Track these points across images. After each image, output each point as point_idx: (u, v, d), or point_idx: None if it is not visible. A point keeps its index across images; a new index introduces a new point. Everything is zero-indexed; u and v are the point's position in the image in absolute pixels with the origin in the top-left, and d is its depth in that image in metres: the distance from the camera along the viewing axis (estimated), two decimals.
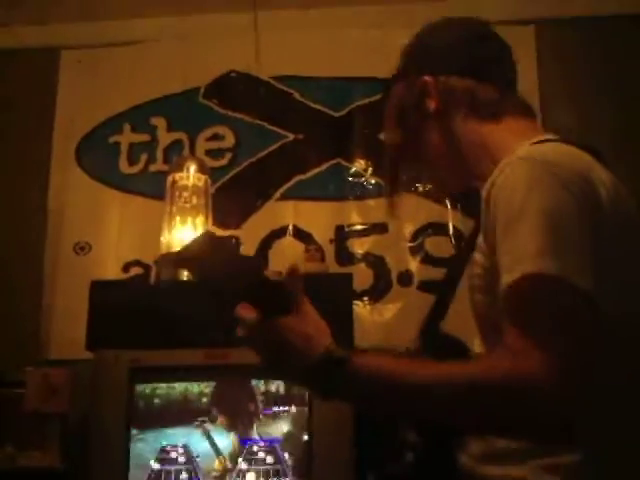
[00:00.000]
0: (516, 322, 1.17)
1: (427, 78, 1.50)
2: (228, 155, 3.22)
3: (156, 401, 2.31)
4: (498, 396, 1.14)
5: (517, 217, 1.20)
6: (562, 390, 1.10)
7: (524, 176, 1.24)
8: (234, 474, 2.21)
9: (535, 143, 1.36)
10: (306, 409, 2.22)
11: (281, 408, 2.25)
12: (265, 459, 2.20)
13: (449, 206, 3.04)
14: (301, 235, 3.11)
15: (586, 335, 1.14)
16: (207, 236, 1.29)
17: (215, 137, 3.24)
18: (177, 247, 2.66)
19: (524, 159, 1.28)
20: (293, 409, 2.24)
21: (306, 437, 2.20)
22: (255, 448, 2.22)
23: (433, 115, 1.50)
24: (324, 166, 3.18)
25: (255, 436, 2.23)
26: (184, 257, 1.31)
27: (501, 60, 1.55)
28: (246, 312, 1.25)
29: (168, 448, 2.25)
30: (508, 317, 1.18)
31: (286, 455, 2.20)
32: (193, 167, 2.77)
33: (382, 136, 1.64)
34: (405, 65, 1.59)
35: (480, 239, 1.34)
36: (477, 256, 1.35)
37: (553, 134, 1.43)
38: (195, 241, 1.27)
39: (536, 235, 1.18)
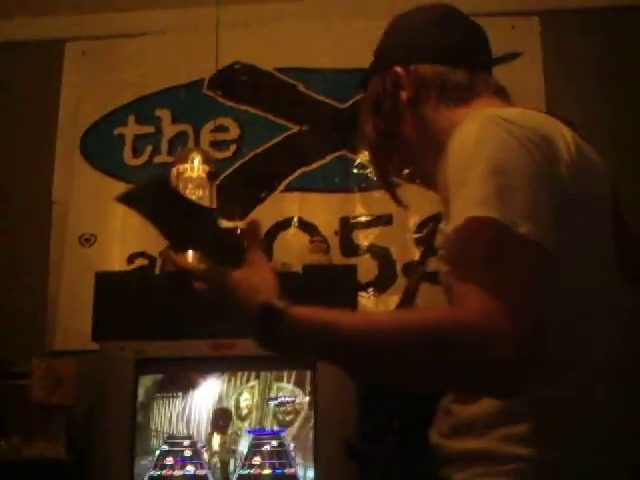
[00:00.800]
0: (455, 268, 1.18)
1: (397, 69, 1.50)
2: (233, 147, 3.21)
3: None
4: (436, 341, 1.12)
5: (465, 169, 1.21)
6: (497, 330, 1.08)
7: (473, 131, 1.24)
8: (240, 461, 2.22)
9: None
10: (310, 401, 2.22)
11: (287, 399, 2.25)
12: (270, 448, 2.21)
13: None
14: (306, 227, 3.11)
15: (523, 276, 1.12)
16: (162, 179, 1.34)
17: (220, 129, 3.24)
18: None
19: (475, 118, 1.28)
20: (298, 400, 2.25)
21: (311, 425, 2.20)
22: (261, 438, 2.23)
23: (407, 105, 1.50)
24: (329, 158, 3.18)
25: (261, 426, 2.24)
26: (136, 195, 1.31)
27: (472, 42, 1.54)
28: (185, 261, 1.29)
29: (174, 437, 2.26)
30: (451, 262, 1.20)
31: (291, 444, 2.21)
32: (198, 159, 2.77)
33: (360, 133, 1.60)
34: (377, 58, 1.59)
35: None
36: (441, 226, 1.34)
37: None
38: (149, 182, 1.28)
39: (480, 184, 1.17)
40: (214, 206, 2.38)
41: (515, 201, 1.15)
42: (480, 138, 1.22)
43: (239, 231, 1.32)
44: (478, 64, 1.51)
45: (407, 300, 1.51)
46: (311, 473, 2.18)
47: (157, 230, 1.32)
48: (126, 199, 1.31)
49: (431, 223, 3.05)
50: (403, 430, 1.43)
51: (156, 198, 1.27)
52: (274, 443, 2.22)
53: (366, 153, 3.10)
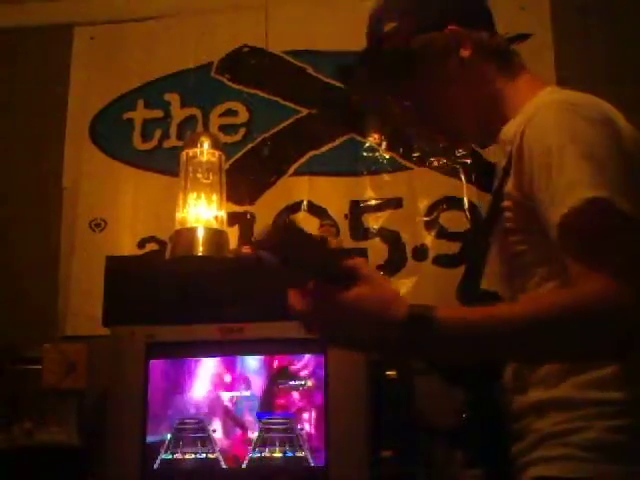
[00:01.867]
0: (578, 248, 1.21)
1: (455, 28, 1.50)
2: (242, 131, 3.20)
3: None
4: (585, 323, 1.16)
5: (555, 154, 1.25)
6: (636, 304, 1.14)
7: (553, 117, 1.30)
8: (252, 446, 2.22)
9: (554, 91, 1.44)
10: (321, 384, 2.23)
11: (297, 382, 2.25)
12: (281, 431, 2.22)
13: (464, 180, 3.03)
14: (316, 210, 3.10)
15: (633, 251, 1.18)
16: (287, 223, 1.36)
17: (228, 113, 3.23)
18: (191, 223, 2.67)
19: (549, 104, 1.34)
20: (309, 382, 2.25)
21: (322, 411, 2.20)
22: (272, 422, 2.23)
23: (465, 65, 1.50)
24: (338, 141, 3.17)
25: (271, 410, 2.24)
26: (267, 242, 1.25)
27: (491, 11, 1.60)
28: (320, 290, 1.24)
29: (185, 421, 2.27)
30: (568, 245, 1.22)
31: (301, 427, 2.21)
32: (207, 143, 2.77)
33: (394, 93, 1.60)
34: (418, 20, 1.54)
35: (508, 187, 1.37)
36: (506, 204, 1.38)
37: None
38: (273, 228, 1.26)
39: (578, 166, 1.23)
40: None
41: (612, 180, 1.22)
42: (562, 124, 1.28)
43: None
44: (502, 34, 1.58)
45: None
46: (322, 456, 2.18)
47: (289, 272, 1.30)
48: (258, 246, 1.26)
49: (442, 205, 3.05)
50: (474, 403, 1.44)
51: (290, 242, 1.23)
52: (284, 427, 2.22)
53: (376, 136, 3.12)
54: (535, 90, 1.47)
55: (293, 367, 2.28)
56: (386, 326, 1.20)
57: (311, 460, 2.19)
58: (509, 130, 1.44)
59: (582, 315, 1.17)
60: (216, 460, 2.24)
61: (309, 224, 3.01)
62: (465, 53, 1.50)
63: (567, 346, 1.21)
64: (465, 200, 3.03)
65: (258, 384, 2.28)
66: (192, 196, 2.72)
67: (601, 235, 1.20)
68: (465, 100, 1.52)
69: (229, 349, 2.33)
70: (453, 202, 3.05)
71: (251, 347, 2.32)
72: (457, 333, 1.21)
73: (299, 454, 2.20)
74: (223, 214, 2.75)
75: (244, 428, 2.25)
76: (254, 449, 2.23)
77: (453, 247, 3.02)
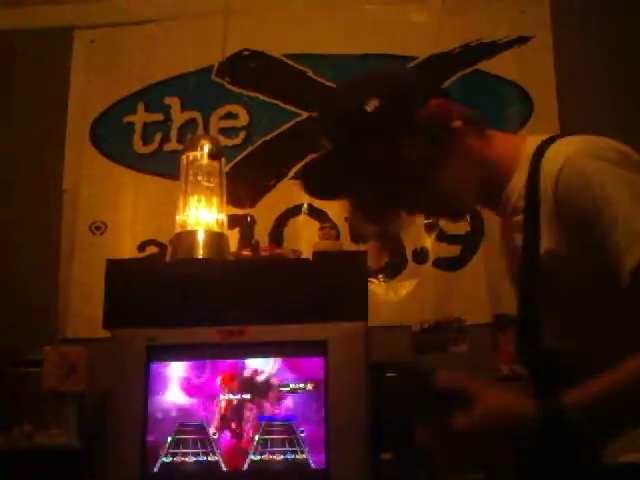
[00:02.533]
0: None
1: (439, 101, 1.46)
2: (242, 134, 3.21)
3: None
4: None
5: (599, 208, 1.28)
6: None
7: (590, 169, 1.30)
8: (252, 448, 2.22)
9: (556, 138, 1.42)
10: (322, 387, 2.22)
11: (297, 385, 2.25)
12: (281, 434, 2.21)
13: None
14: (316, 213, 3.10)
15: None
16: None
17: (229, 116, 3.23)
18: (192, 226, 2.67)
19: (576, 157, 1.33)
20: (309, 386, 2.25)
21: (322, 413, 2.20)
22: (272, 424, 2.23)
23: (456, 136, 1.46)
24: None
25: (272, 412, 2.24)
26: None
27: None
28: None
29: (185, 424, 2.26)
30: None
31: (302, 430, 2.21)
32: (207, 146, 2.77)
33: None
34: (396, 97, 1.47)
35: (547, 245, 1.36)
36: (551, 263, 1.37)
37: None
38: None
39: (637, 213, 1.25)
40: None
41: None
42: (601, 175, 1.30)
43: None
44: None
45: None
46: (322, 459, 2.18)
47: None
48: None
49: None
50: None
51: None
52: (285, 429, 2.22)
53: None
54: (515, 144, 1.47)
55: (293, 369, 2.28)
56: (521, 433, 1.27)
57: (312, 463, 2.19)
58: (515, 187, 1.44)
59: None
60: (216, 463, 2.24)
61: (309, 227, 3.02)
62: (457, 124, 1.46)
63: None
64: None
65: (258, 386, 2.28)
66: (192, 199, 2.72)
67: None
68: (462, 174, 1.47)
69: (229, 352, 2.33)
70: None
71: (252, 349, 2.31)
72: (585, 415, 1.26)
73: (299, 457, 2.20)
74: (223, 217, 2.75)
75: (245, 431, 2.25)
76: (255, 452, 2.22)
77: (453, 250, 3.03)
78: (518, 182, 1.43)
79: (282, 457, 2.21)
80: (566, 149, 1.37)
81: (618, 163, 1.31)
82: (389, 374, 2.42)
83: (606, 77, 3.05)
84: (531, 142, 1.45)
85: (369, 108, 1.46)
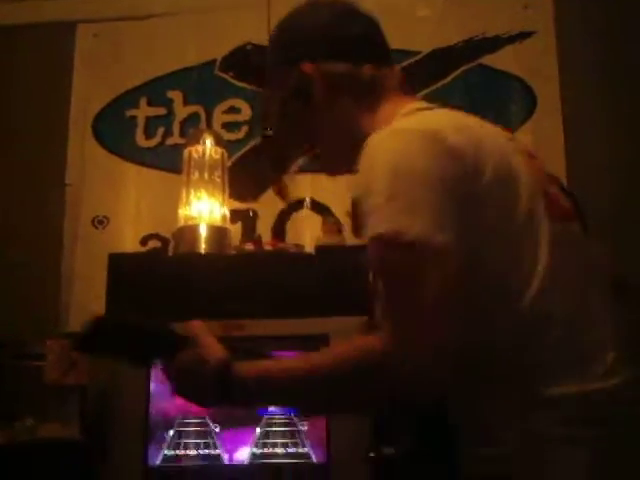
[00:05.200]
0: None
1: (307, 66, 1.47)
2: (244, 128, 3.21)
3: None
4: (358, 376, 1.21)
5: (365, 188, 1.26)
6: (405, 358, 1.16)
7: (373, 150, 1.28)
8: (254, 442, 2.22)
9: (403, 115, 1.39)
10: None
11: None
12: (283, 428, 2.22)
13: None
14: (318, 208, 3.10)
15: (435, 295, 1.17)
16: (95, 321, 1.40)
17: (231, 110, 3.23)
18: (194, 220, 2.67)
19: (382, 131, 1.31)
20: None
21: None
22: (273, 418, 2.23)
23: (319, 103, 1.47)
24: None
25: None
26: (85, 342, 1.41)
27: (372, 37, 1.53)
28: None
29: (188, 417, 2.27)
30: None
31: (303, 424, 2.21)
32: (209, 140, 2.77)
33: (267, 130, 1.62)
34: (278, 54, 1.54)
35: None
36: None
37: (426, 103, 1.46)
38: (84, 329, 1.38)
39: (378, 202, 1.22)
40: None
41: (421, 213, 1.19)
42: (377, 155, 1.27)
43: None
44: (380, 58, 1.51)
45: None
46: (323, 452, 2.18)
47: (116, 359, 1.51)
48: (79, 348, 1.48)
49: None
50: (420, 430, 1.43)
51: (104, 336, 1.39)
52: (286, 423, 2.22)
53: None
54: (392, 115, 1.42)
55: None
56: (202, 386, 1.34)
57: (313, 456, 2.19)
58: None
59: (349, 374, 1.22)
60: (218, 456, 2.24)
61: (312, 221, 3.01)
62: (317, 92, 1.47)
63: (347, 398, 1.27)
64: None
65: None
66: (195, 193, 2.72)
67: (384, 275, 1.23)
68: (328, 134, 1.50)
69: (230, 345, 2.32)
70: None
71: (253, 343, 2.30)
72: (255, 390, 1.30)
73: (301, 450, 2.20)
74: (226, 211, 2.75)
75: (246, 424, 2.25)
76: (256, 445, 2.23)
77: None
78: None
79: (283, 451, 2.21)
80: (376, 135, 1.34)
81: (403, 141, 1.26)
82: None
83: (608, 71, 3.05)
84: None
85: (271, 38, 1.55)
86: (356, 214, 1.30)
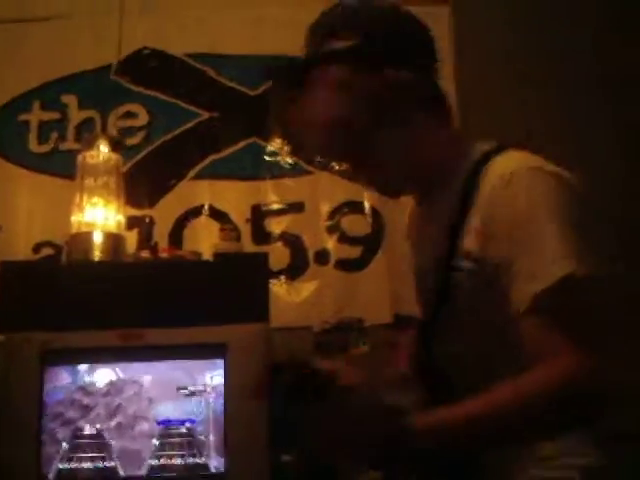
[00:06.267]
0: (554, 327, 1.23)
1: (390, 71, 1.40)
2: (141, 133, 3.17)
3: None
4: (559, 406, 1.21)
5: (524, 226, 1.27)
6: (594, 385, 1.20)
7: (524, 186, 1.29)
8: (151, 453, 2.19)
9: (502, 149, 1.41)
10: (221, 390, 2.21)
11: (196, 387, 2.23)
12: (180, 437, 2.19)
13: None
14: (217, 215, 3.09)
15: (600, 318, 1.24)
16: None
17: (128, 115, 3.19)
18: (88, 227, 2.61)
19: (519, 169, 1.32)
20: (208, 389, 2.23)
21: (222, 416, 2.18)
22: (171, 428, 2.20)
23: (398, 114, 1.42)
24: (240, 145, 3.16)
25: (170, 416, 2.21)
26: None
27: (428, 46, 1.50)
28: None
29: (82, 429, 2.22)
30: (543, 323, 1.24)
31: (201, 433, 2.19)
32: (104, 145, 2.71)
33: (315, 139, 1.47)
34: (371, 45, 1.42)
35: (469, 244, 1.36)
36: (466, 264, 1.37)
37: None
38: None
39: (554, 239, 1.24)
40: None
41: (587, 246, 1.25)
42: (531, 193, 1.28)
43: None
44: (433, 71, 1.50)
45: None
46: (222, 462, 2.16)
47: None
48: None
49: (343, 209, 3.07)
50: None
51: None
52: (184, 433, 2.19)
53: (278, 140, 3.12)
54: (461, 145, 1.45)
55: (193, 372, 2.26)
56: (373, 444, 1.28)
57: (211, 467, 2.17)
58: (454, 186, 1.42)
59: (546, 399, 1.22)
60: (114, 468, 2.20)
61: (209, 228, 3.00)
62: (406, 108, 1.42)
63: (538, 428, 1.25)
64: (366, 204, 3.06)
65: (158, 390, 2.25)
66: (89, 199, 2.66)
67: (584, 311, 1.24)
68: (392, 148, 1.43)
69: (128, 355, 2.29)
70: (354, 206, 3.08)
71: (151, 353, 2.28)
72: (435, 442, 1.26)
73: (199, 460, 2.18)
74: (121, 218, 2.70)
75: (143, 435, 2.21)
76: (153, 456, 2.19)
77: (355, 251, 3.05)
78: (456, 183, 1.41)
79: (181, 461, 2.18)
80: (510, 160, 1.37)
81: (555, 184, 1.30)
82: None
83: (504, 47, 3.12)
84: (478, 148, 1.44)
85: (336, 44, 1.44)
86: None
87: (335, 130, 1.42)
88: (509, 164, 1.35)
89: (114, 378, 2.26)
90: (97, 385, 2.26)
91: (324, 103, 1.42)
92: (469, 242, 1.35)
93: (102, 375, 2.28)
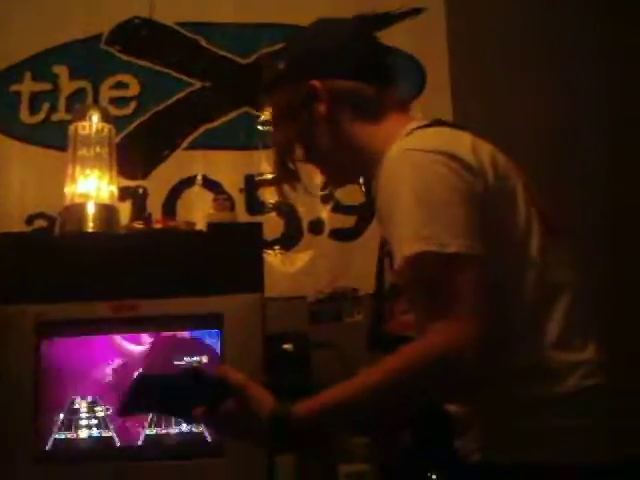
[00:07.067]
0: (412, 302, 1.39)
1: (315, 83, 1.56)
2: (133, 104, 3.15)
3: None
4: (421, 375, 1.29)
5: (389, 206, 1.38)
6: (472, 351, 1.26)
7: (392, 168, 1.40)
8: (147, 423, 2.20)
9: (408, 134, 1.49)
10: (217, 360, 2.21)
11: (192, 358, 2.24)
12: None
13: None
14: (210, 185, 3.08)
15: (466, 289, 1.29)
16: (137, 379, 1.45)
17: (119, 85, 3.17)
18: (81, 199, 2.60)
19: (394, 152, 1.42)
20: (204, 358, 2.23)
21: None
22: None
23: (323, 118, 1.56)
24: (232, 114, 3.15)
25: None
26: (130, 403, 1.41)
27: (378, 58, 1.64)
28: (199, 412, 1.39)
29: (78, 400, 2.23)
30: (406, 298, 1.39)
31: None
32: (96, 116, 2.70)
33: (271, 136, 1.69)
34: (291, 67, 1.62)
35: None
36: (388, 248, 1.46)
37: (426, 120, 1.54)
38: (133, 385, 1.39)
39: (406, 220, 1.34)
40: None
41: (440, 224, 1.32)
42: (397, 174, 1.38)
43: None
44: (386, 80, 1.62)
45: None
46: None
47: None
48: (125, 412, 1.47)
49: None
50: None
51: (146, 394, 1.39)
52: None
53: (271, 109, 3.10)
54: (395, 133, 1.52)
55: (189, 343, 2.26)
56: (258, 429, 1.36)
57: (207, 436, 2.18)
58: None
59: (412, 373, 1.29)
60: (111, 438, 2.21)
61: (203, 198, 2.99)
62: (321, 108, 1.56)
63: (411, 396, 1.33)
64: None
65: (153, 361, 2.25)
66: (81, 171, 2.65)
67: (428, 286, 1.32)
68: (328, 150, 1.59)
69: (123, 326, 2.29)
70: None
71: (145, 324, 2.28)
72: (316, 423, 1.34)
73: (196, 430, 2.19)
74: (114, 189, 2.69)
75: None
76: (149, 426, 2.20)
77: (349, 220, 3.05)
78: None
79: (177, 430, 2.19)
80: (401, 143, 1.44)
81: (416, 164, 1.38)
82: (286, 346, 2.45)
83: (498, 48, 3.10)
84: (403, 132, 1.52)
85: (280, 66, 1.64)
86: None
87: (286, 129, 1.61)
88: (394, 148, 1.44)
89: (109, 349, 2.27)
90: (92, 356, 2.27)
91: (279, 112, 1.64)
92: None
93: (97, 346, 2.28)
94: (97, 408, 2.22)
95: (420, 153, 1.39)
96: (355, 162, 1.59)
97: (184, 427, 2.20)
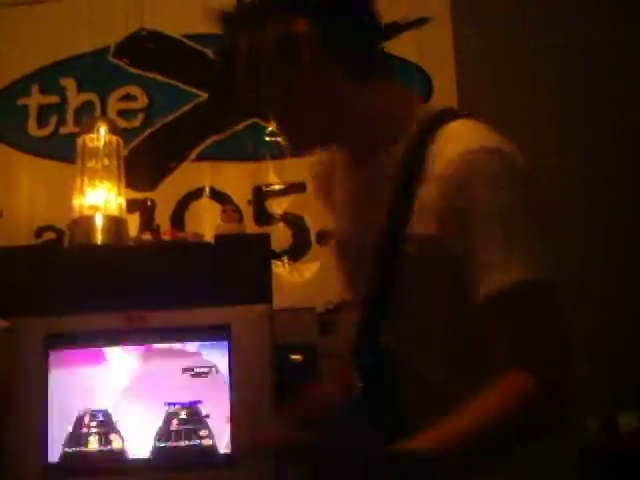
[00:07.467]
0: (509, 333, 1.20)
1: (302, 23, 1.29)
2: (141, 116, 3.16)
3: None
4: (524, 421, 1.19)
5: (496, 218, 1.20)
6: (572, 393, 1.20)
7: (486, 169, 1.21)
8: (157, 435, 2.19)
9: (453, 116, 1.31)
10: (226, 371, 2.21)
11: (202, 369, 2.23)
12: (187, 419, 2.19)
13: None
14: (218, 196, 3.08)
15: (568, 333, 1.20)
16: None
17: (127, 97, 3.18)
18: (90, 211, 2.61)
19: (486, 151, 1.23)
20: (213, 371, 2.23)
21: (228, 397, 2.19)
22: (177, 409, 2.20)
23: (308, 66, 1.30)
24: (240, 126, 3.15)
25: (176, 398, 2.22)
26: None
27: (372, 5, 1.41)
28: None
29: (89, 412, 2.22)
30: (495, 318, 1.20)
31: (207, 415, 2.19)
32: (104, 128, 2.71)
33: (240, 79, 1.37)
34: (265, 5, 1.34)
35: (419, 227, 1.26)
36: (410, 248, 1.27)
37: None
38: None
39: (517, 234, 1.19)
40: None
41: (541, 253, 1.20)
42: (495, 178, 1.21)
43: None
44: (376, 32, 1.39)
45: None
46: (227, 444, 2.16)
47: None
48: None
49: None
50: None
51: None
52: (191, 414, 2.20)
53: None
54: (409, 105, 1.35)
55: (198, 354, 2.26)
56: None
57: (217, 447, 2.18)
58: (399, 150, 1.31)
59: (512, 421, 1.19)
60: (121, 451, 2.20)
61: (211, 210, 2.99)
62: (306, 54, 1.30)
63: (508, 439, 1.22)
64: None
65: (163, 372, 2.25)
66: (90, 183, 2.66)
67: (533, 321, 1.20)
68: (308, 102, 1.33)
69: (132, 338, 2.29)
70: None
71: (154, 335, 2.28)
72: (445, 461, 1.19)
73: (205, 442, 2.18)
74: (122, 201, 2.70)
75: (149, 417, 2.21)
76: (160, 438, 2.19)
77: None
78: (397, 149, 1.31)
79: (187, 443, 2.19)
80: (463, 133, 1.27)
81: (509, 166, 1.23)
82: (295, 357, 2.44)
83: (504, 57, 3.10)
84: (424, 111, 1.35)
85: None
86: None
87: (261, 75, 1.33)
88: (463, 138, 1.25)
89: (118, 361, 2.27)
90: (101, 368, 2.27)
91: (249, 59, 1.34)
92: (420, 225, 1.26)
93: (106, 358, 2.28)
94: (106, 420, 2.22)
95: (510, 156, 1.24)
96: (338, 125, 1.34)
97: (194, 440, 2.19)
